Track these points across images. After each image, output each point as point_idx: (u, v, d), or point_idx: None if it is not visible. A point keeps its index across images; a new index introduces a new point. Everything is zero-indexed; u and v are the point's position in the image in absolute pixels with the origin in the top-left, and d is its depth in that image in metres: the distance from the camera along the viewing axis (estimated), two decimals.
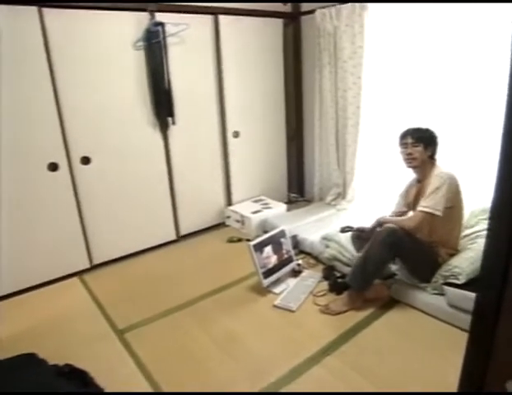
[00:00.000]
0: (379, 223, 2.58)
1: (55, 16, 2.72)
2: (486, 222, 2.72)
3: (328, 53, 3.66)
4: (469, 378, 0.95)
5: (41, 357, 1.86)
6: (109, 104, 3.09)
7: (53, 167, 2.90)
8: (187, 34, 3.32)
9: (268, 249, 2.83)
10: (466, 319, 2.22)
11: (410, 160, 2.50)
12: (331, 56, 3.65)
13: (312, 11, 3.71)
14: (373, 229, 2.62)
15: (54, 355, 2.05)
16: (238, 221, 3.90)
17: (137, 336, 2.41)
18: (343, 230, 2.93)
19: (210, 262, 3.33)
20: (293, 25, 4.07)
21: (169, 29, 3.18)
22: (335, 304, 2.55)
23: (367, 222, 2.81)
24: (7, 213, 2.76)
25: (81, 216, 3.13)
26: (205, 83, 3.63)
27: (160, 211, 3.60)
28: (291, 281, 2.89)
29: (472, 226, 2.78)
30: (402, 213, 2.70)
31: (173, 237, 3.73)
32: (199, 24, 3.42)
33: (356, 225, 2.96)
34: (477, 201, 2.91)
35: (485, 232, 2.61)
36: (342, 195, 4.02)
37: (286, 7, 3.99)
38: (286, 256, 2.95)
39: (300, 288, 2.80)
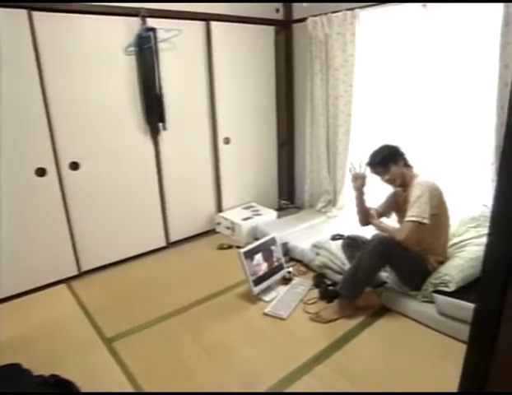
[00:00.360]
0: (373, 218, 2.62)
1: (45, 20, 2.69)
2: (475, 230, 2.76)
3: (319, 61, 3.68)
4: (469, 384, 0.94)
5: (26, 367, 1.81)
6: (100, 109, 3.06)
7: (41, 172, 2.86)
8: (178, 40, 3.31)
9: (259, 257, 2.82)
10: (456, 327, 2.25)
11: (392, 182, 2.53)
12: (322, 64, 3.67)
13: (303, 19, 3.73)
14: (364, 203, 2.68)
15: (40, 365, 2.01)
16: (228, 228, 3.88)
17: (126, 345, 2.37)
18: (334, 238, 2.94)
19: (200, 270, 3.30)
20: (285, 32, 4.09)
21: (160, 34, 3.17)
22: (325, 312, 2.54)
23: (357, 230, 2.82)
24: None
25: (70, 223, 3.08)
26: (196, 89, 3.62)
27: (150, 218, 3.57)
28: (282, 289, 2.88)
29: (460, 234, 2.80)
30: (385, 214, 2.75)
31: (162, 244, 3.70)
32: (191, 30, 3.42)
33: (346, 232, 2.97)
34: (466, 209, 2.94)
35: (474, 240, 2.65)
36: (332, 202, 4.02)
37: (278, 15, 4.00)
38: (276, 263, 2.94)
39: (290, 296, 2.78)
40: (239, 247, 3.27)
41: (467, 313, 2.16)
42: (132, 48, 3.09)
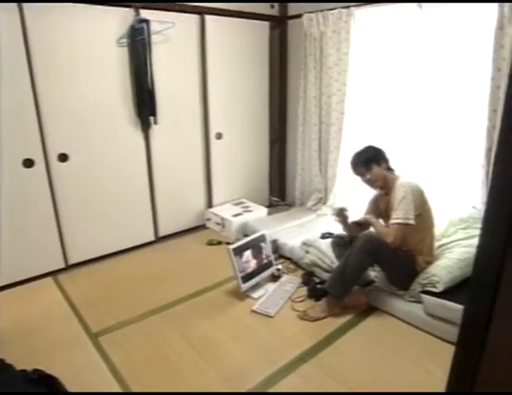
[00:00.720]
0: (365, 222, 2.61)
1: (36, 11, 2.63)
2: (464, 231, 2.78)
3: (313, 59, 3.67)
4: (457, 385, 0.95)
5: (8, 362, 1.78)
6: (90, 100, 3.01)
7: (29, 163, 2.81)
8: (172, 33, 3.27)
9: (248, 253, 2.81)
10: (442, 328, 2.26)
11: (373, 183, 2.53)
12: (316, 61, 3.66)
13: (299, 16, 3.71)
14: (354, 226, 2.67)
15: (24, 360, 1.97)
16: (218, 224, 3.87)
17: (112, 340, 2.34)
18: (324, 237, 2.94)
19: (188, 265, 3.28)
20: (280, 28, 4.06)
21: (154, 27, 3.13)
22: (313, 311, 2.54)
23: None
24: None
25: (57, 215, 3.04)
26: (189, 83, 3.59)
27: (139, 212, 3.54)
28: (270, 286, 2.87)
29: (449, 235, 2.81)
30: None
31: (151, 238, 3.67)
32: (185, 23, 3.38)
33: (336, 231, 2.97)
34: (455, 210, 2.95)
35: (462, 242, 2.66)
36: (323, 200, 4.03)
37: (274, 10, 3.98)
38: (265, 261, 2.93)
39: (278, 293, 2.78)
40: (228, 243, 3.26)
41: (454, 314, 2.18)
42: (124, 40, 3.05)
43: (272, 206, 4.44)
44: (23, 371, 1.69)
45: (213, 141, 3.86)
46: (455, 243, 2.69)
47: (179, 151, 3.67)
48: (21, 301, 2.77)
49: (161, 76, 3.31)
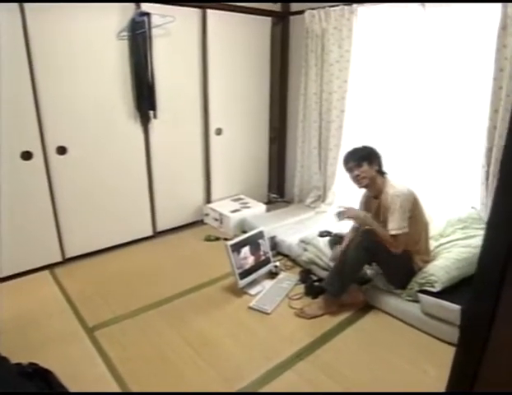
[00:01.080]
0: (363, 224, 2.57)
1: (36, 7, 2.61)
2: (462, 232, 2.78)
3: (314, 55, 3.65)
4: (458, 384, 0.94)
5: (3, 355, 1.77)
6: (89, 93, 2.99)
7: (27, 156, 2.79)
8: (173, 27, 3.25)
9: (246, 250, 2.80)
10: (439, 327, 2.27)
11: (359, 180, 2.49)
12: (318, 58, 3.64)
13: (301, 12, 3.68)
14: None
15: (19, 353, 1.97)
16: (216, 220, 3.86)
17: (108, 335, 2.34)
18: (322, 235, 2.93)
19: (186, 261, 3.27)
20: (282, 24, 4.04)
21: (154, 20, 3.10)
22: (310, 308, 2.54)
23: (345, 227, 2.81)
24: None
25: (55, 208, 3.03)
26: (189, 78, 3.56)
27: (137, 206, 3.52)
28: (268, 283, 2.87)
29: (448, 235, 2.81)
30: None
31: (149, 233, 3.66)
32: (186, 17, 3.36)
33: (334, 229, 2.97)
34: (454, 210, 2.95)
35: (460, 241, 2.66)
36: (321, 198, 4.02)
37: (276, 6, 3.95)
38: (263, 257, 2.93)
39: (276, 290, 2.78)
40: (226, 239, 3.25)
41: (450, 314, 2.19)
42: (125, 33, 3.02)
43: (270, 203, 4.43)
44: (18, 365, 1.68)
45: (213, 137, 3.85)
46: (453, 243, 2.69)
47: (178, 146, 3.65)
48: (17, 294, 2.76)
49: (161, 71, 3.29)
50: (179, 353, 2.19)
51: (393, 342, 2.29)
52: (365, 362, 2.14)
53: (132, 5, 3.01)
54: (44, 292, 2.79)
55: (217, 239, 3.62)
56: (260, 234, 2.95)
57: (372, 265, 2.65)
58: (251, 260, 2.82)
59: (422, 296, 2.35)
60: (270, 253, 3.00)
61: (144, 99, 3.22)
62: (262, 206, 4.04)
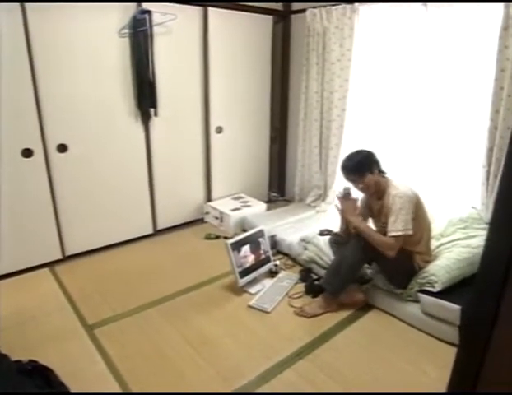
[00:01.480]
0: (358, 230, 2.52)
1: (37, 5, 2.61)
2: (463, 231, 2.77)
3: (316, 54, 3.64)
4: (459, 384, 0.94)
5: (3, 352, 1.78)
6: (90, 91, 2.99)
7: (27, 153, 2.79)
8: (174, 25, 3.24)
9: (246, 248, 2.80)
10: (439, 327, 2.27)
11: (366, 190, 2.47)
12: (319, 57, 3.63)
13: (303, 10, 3.68)
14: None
15: (19, 350, 1.97)
16: (217, 218, 3.86)
17: (108, 333, 2.34)
18: (322, 234, 2.93)
19: (186, 259, 3.27)
20: (283, 23, 4.03)
21: (156, 18, 3.10)
22: (310, 307, 2.54)
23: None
24: None
25: (55, 205, 3.02)
26: (190, 76, 3.56)
27: (138, 204, 3.52)
28: (268, 282, 2.87)
29: (448, 235, 2.81)
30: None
31: (149, 231, 3.66)
32: (187, 15, 3.35)
33: (334, 228, 2.96)
34: (455, 210, 2.95)
35: (461, 241, 2.66)
36: (322, 197, 4.02)
37: (277, 5, 3.94)
38: (263, 256, 2.93)
39: (275, 289, 2.78)
40: (226, 238, 3.25)
41: (450, 314, 2.19)
42: (126, 31, 3.02)
43: (271, 202, 4.43)
44: (18, 362, 1.69)
45: (213, 135, 3.84)
46: (454, 242, 2.69)
47: (178, 144, 3.65)
48: (17, 291, 2.76)
49: (162, 69, 3.28)
50: (178, 351, 2.19)
51: (392, 342, 2.29)
52: (365, 361, 2.14)
53: (133, 3, 3.00)
54: (43, 290, 2.79)
55: (217, 237, 3.62)
56: (260, 233, 2.95)
57: (372, 264, 2.65)
58: (251, 259, 2.82)
59: (422, 296, 2.35)
60: (270, 252, 3.00)
61: (145, 97, 3.22)
62: (263, 205, 4.04)
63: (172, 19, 3.17)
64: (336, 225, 2.95)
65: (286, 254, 3.28)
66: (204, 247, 3.49)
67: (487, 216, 2.79)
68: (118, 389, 1.93)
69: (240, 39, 3.78)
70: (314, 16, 3.55)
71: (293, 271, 3.03)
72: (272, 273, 2.97)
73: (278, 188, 4.61)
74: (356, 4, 3.23)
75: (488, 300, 0.82)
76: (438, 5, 2.81)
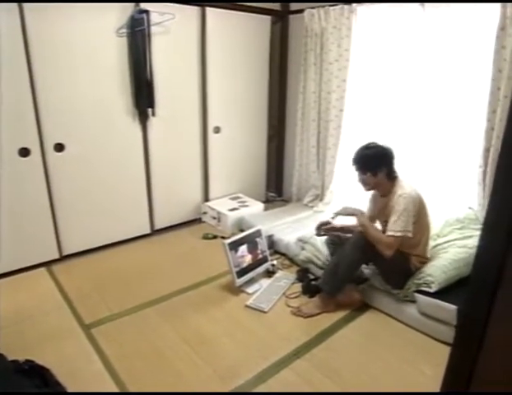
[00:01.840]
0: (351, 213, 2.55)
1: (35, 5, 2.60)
2: (459, 232, 2.78)
3: (313, 54, 3.65)
4: (453, 384, 0.95)
5: (0, 352, 1.77)
6: (87, 90, 2.98)
7: (25, 153, 2.78)
8: (172, 25, 3.24)
9: (243, 248, 2.80)
10: (436, 327, 2.28)
11: (363, 184, 2.50)
12: (317, 57, 3.64)
13: (301, 11, 3.68)
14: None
15: (15, 350, 1.97)
16: (214, 218, 3.86)
17: (105, 332, 2.34)
18: (319, 234, 2.92)
19: (183, 259, 3.27)
20: (281, 23, 4.04)
21: (154, 17, 3.10)
22: (307, 307, 2.54)
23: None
24: None
25: (52, 205, 3.02)
26: (188, 76, 3.56)
27: (135, 204, 3.52)
28: (265, 282, 2.87)
29: (445, 235, 2.82)
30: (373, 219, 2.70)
31: (147, 231, 3.66)
32: (185, 15, 3.35)
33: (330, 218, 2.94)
34: (452, 210, 2.96)
35: (457, 242, 2.67)
36: (319, 197, 4.02)
37: (275, 5, 3.95)
38: (260, 256, 2.93)
39: (273, 289, 2.78)
40: (224, 237, 3.25)
41: (447, 314, 2.19)
42: (124, 30, 3.01)
43: (268, 202, 4.43)
44: (14, 362, 1.69)
45: (211, 135, 3.84)
46: (450, 243, 2.70)
47: (176, 144, 3.65)
48: (14, 291, 2.75)
49: (160, 68, 3.28)
50: (175, 351, 2.19)
51: (389, 342, 2.30)
52: (362, 361, 2.15)
53: (131, 3, 3.00)
54: (40, 289, 2.79)
55: (215, 237, 3.62)
56: (258, 233, 2.95)
57: (369, 265, 2.66)
58: (248, 258, 2.83)
59: (419, 296, 2.36)
60: (267, 252, 3.00)
61: (142, 96, 3.22)
62: (260, 205, 4.04)
63: (170, 19, 3.17)
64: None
65: (283, 254, 3.28)
66: (202, 247, 3.49)
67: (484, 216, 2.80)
68: (115, 389, 1.93)
69: (238, 39, 3.78)
70: (312, 17, 3.55)
71: (290, 271, 3.03)
72: (270, 273, 2.97)
73: (276, 188, 4.62)
74: (354, 4, 3.24)
75: (481, 300, 0.82)
76: (435, 5, 2.82)
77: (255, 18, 3.84)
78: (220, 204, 3.94)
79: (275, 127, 4.41)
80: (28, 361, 1.72)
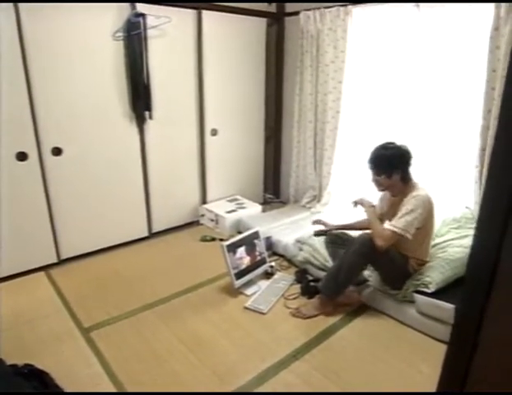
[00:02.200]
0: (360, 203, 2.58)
1: (32, 6, 2.61)
2: (456, 231, 2.79)
3: (310, 56, 3.66)
4: (449, 384, 0.95)
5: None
6: (84, 94, 2.99)
7: (22, 157, 2.78)
8: (168, 28, 3.25)
9: (241, 250, 2.81)
10: (434, 326, 2.28)
11: (376, 185, 2.48)
12: (313, 59, 3.65)
13: (296, 13, 3.69)
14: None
15: (14, 354, 1.98)
16: (212, 220, 3.86)
17: (103, 335, 2.34)
18: (317, 234, 2.94)
19: (182, 261, 3.27)
20: (277, 25, 4.05)
21: (150, 21, 3.10)
22: (306, 308, 2.55)
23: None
24: None
25: (50, 209, 3.02)
26: (185, 78, 3.56)
27: (133, 207, 3.52)
28: (263, 283, 2.87)
29: (442, 235, 2.82)
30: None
31: (145, 233, 3.66)
32: (181, 18, 3.36)
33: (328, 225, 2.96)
34: (449, 210, 2.97)
35: (454, 241, 2.68)
36: (317, 198, 4.03)
37: (271, 7, 3.96)
38: (259, 257, 2.93)
39: (271, 290, 2.78)
40: (222, 239, 3.25)
41: (445, 314, 2.20)
42: (120, 34, 3.02)
43: (266, 203, 4.44)
44: (13, 366, 1.69)
45: (208, 138, 3.85)
46: (448, 242, 2.71)
47: (173, 147, 3.65)
48: (13, 295, 2.74)
49: (157, 71, 3.29)
50: (174, 353, 2.19)
51: (388, 342, 2.31)
52: (361, 361, 2.15)
53: (127, 5, 3.01)
54: (39, 293, 2.78)
55: (213, 239, 3.62)
56: (256, 235, 2.95)
57: (368, 267, 2.66)
58: (247, 260, 2.83)
59: (417, 296, 2.36)
60: (266, 254, 3.00)
61: (139, 99, 3.22)
62: (258, 207, 4.05)
63: (166, 22, 3.18)
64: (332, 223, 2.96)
65: (281, 255, 3.29)
66: (200, 249, 3.50)
67: None
68: (113, 391, 1.93)
69: (235, 41, 3.79)
70: (308, 19, 3.57)
71: (289, 273, 3.04)
72: (268, 274, 2.98)
73: (273, 189, 4.62)
74: (350, 6, 3.25)
75: (476, 299, 0.83)
76: (430, 5, 2.84)
77: (251, 21, 3.85)
78: (217, 206, 3.94)
79: (272, 129, 4.42)
80: (27, 365, 1.72)
